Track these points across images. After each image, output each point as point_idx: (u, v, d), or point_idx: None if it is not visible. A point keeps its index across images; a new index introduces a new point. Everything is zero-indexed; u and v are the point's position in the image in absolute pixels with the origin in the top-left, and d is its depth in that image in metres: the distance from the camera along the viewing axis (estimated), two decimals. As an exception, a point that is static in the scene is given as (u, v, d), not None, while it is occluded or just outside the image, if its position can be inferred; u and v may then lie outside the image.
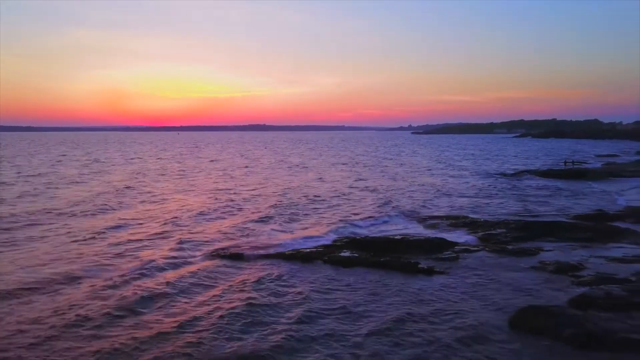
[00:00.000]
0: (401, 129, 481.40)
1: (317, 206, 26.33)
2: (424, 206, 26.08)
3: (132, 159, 71.49)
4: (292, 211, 24.40)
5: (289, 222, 21.72)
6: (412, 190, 32.91)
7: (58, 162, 62.17)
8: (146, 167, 54.34)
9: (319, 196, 29.99)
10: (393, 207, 25.75)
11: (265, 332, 9.95)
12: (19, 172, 45.36)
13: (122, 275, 13.51)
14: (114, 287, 12.60)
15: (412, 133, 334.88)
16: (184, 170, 50.31)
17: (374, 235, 18.69)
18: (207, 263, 15.02)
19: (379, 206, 26.05)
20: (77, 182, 37.86)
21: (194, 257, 15.70)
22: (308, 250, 16.21)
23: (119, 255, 15.79)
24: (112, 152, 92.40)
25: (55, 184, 36.36)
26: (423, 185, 36.28)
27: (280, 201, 27.71)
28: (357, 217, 22.88)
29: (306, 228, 20.51)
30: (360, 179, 40.91)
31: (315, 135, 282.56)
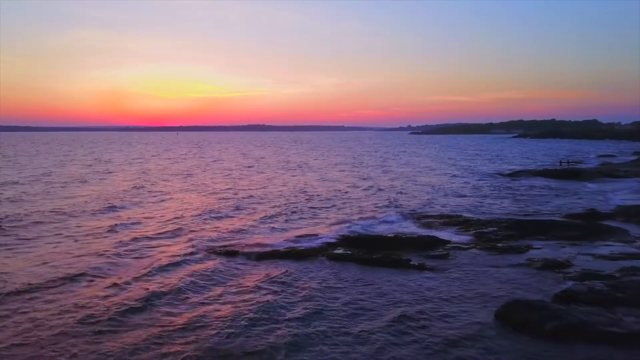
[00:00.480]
0: (400, 129, 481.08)
1: (321, 205, 26.84)
2: (425, 205, 26.51)
3: (136, 159, 71.88)
4: (295, 211, 24.85)
5: (292, 222, 22.16)
6: (413, 190, 33.41)
7: (61, 162, 62.35)
8: (151, 167, 54.78)
9: (320, 196, 30.53)
10: (394, 207, 26.17)
11: (268, 328, 10.29)
12: (25, 173, 45.62)
13: (131, 274, 13.85)
14: (123, 285, 12.90)
15: (411, 133, 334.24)
16: (188, 170, 50.82)
17: (371, 233, 19.13)
18: (212, 261, 15.38)
19: (380, 206, 26.47)
20: (85, 182, 38.26)
21: (200, 256, 16.03)
22: (303, 248, 16.68)
23: (127, 254, 16.11)
24: (115, 152, 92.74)
25: (62, 183, 36.72)
26: (424, 185, 36.84)
27: (284, 201, 28.21)
28: (359, 217, 23.27)
29: (308, 227, 20.93)
30: (363, 179, 41.43)
31: (315, 136, 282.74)
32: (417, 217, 22.93)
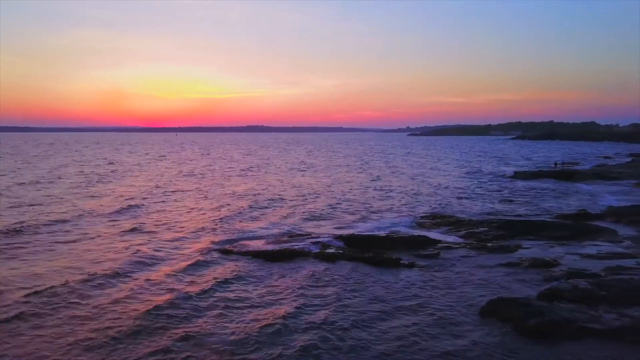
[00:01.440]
0: (399, 130, 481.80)
1: (334, 205, 27.32)
2: (435, 207, 26.58)
3: (144, 159, 72.23)
4: (308, 212, 25.12)
5: (302, 222, 22.40)
6: (423, 191, 33.83)
7: (72, 163, 62.16)
8: (161, 168, 55.18)
9: (332, 196, 31.02)
10: (407, 208, 26.44)
11: (274, 332, 10.35)
12: (39, 173, 45.61)
13: (146, 278, 13.82)
14: (137, 290, 12.81)
15: (409, 135, 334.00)
16: (199, 171, 51.24)
17: (370, 233, 19.42)
18: (225, 263, 15.46)
19: (392, 207, 26.80)
20: (100, 183, 38.40)
21: (213, 257, 16.11)
22: (298, 248, 16.95)
23: (143, 257, 15.99)
24: (121, 153, 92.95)
25: (78, 185, 36.88)
26: (433, 186, 37.33)
27: (296, 202, 28.65)
28: (367, 219, 23.59)
29: (324, 227, 21.33)
30: (372, 180, 41.87)
31: (315, 137, 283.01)
32: (413, 216, 23.31)
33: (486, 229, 19.58)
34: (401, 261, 15.16)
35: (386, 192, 33.40)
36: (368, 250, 16.36)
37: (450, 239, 18.50)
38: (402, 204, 27.92)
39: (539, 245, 17.51)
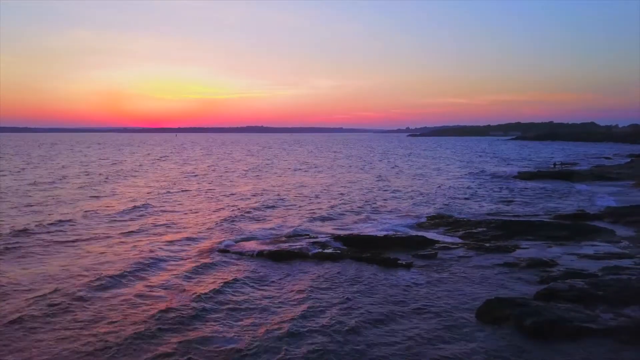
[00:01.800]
0: (398, 131, 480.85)
1: (339, 204, 27.72)
2: (440, 209, 26.64)
3: (148, 159, 72.48)
4: (311, 213, 25.30)
5: (305, 223, 22.53)
6: (427, 192, 34.01)
7: (76, 164, 62.27)
8: (166, 169, 55.42)
9: (337, 197, 31.32)
10: (407, 209, 26.61)
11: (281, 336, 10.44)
12: (40, 175, 45.65)
13: (152, 280, 13.87)
14: (144, 293, 12.79)
15: (409, 135, 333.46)
16: (204, 172, 51.52)
17: (369, 233, 19.60)
18: (232, 265, 15.57)
19: (392, 208, 27.00)
20: (105, 184, 38.53)
21: (217, 259, 16.17)
22: (297, 248, 17.06)
23: (149, 259, 15.99)
24: (126, 153, 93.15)
25: (82, 186, 36.99)
26: (435, 186, 37.57)
27: (300, 202, 28.91)
28: (369, 219, 23.74)
29: (322, 227, 21.55)
30: (376, 180, 42.18)
31: (315, 137, 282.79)
32: (412, 217, 23.49)
33: (484, 229, 19.73)
34: (399, 261, 15.32)
35: (389, 193, 33.62)
36: (366, 251, 16.51)
37: (449, 239, 18.64)
38: (404, 205, 28.14)
39: (537, 245, 17.65)
